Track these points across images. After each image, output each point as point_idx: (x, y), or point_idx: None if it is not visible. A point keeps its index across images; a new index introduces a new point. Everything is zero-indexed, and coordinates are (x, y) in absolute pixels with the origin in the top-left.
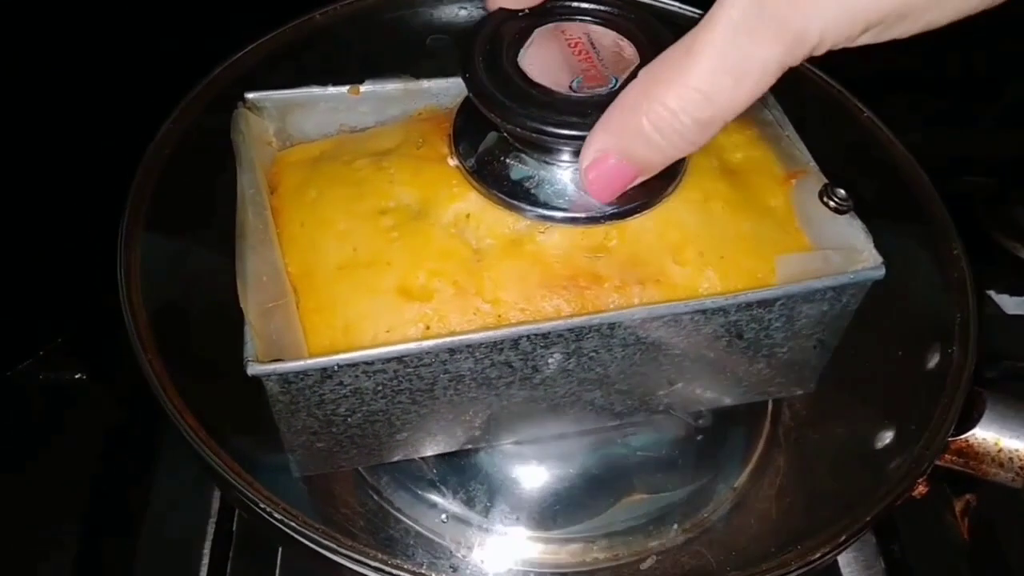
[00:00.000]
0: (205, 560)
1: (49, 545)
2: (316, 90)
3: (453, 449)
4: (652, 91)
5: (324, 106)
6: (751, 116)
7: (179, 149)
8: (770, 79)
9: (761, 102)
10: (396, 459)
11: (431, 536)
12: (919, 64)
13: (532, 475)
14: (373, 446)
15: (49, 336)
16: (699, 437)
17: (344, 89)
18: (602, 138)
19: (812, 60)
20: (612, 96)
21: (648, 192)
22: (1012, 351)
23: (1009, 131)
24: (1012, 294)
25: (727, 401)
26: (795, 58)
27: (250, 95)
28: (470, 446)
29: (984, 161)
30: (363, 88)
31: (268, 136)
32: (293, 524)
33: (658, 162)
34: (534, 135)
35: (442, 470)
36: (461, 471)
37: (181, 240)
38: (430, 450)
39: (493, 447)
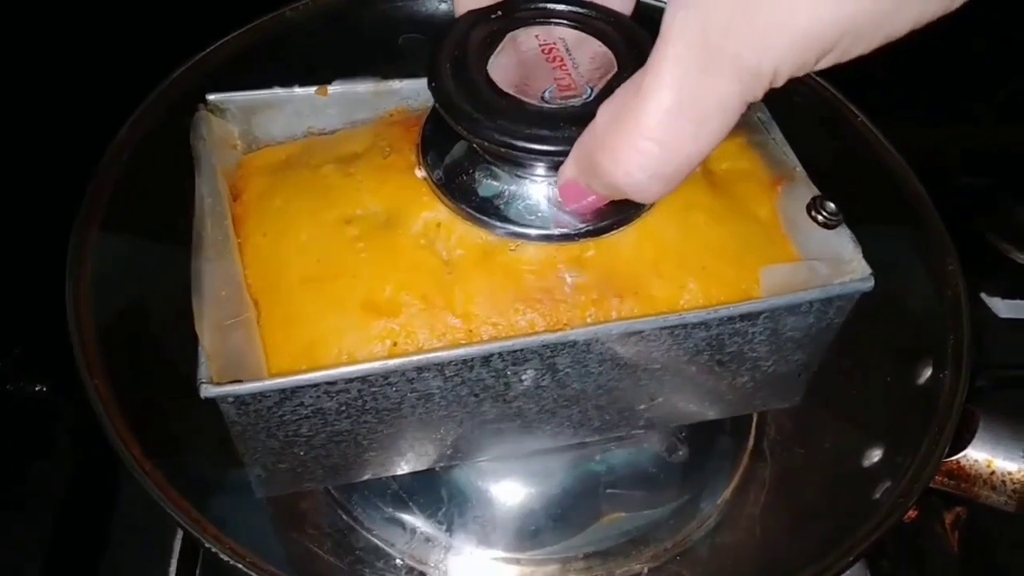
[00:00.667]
0: None
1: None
2: (282, 91)
3: (424, 467)
4: (608, 140)
5: (290, 108)
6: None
7: (138, 154)
8: (732, 119)
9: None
10: (364, 478)
11: (401, 558)
12: (911, 61)
13: (507, 494)
14: (339, 466)
15: (6, 347)
16: (681, 452)
17: (311, 90)
18: (571, 169)
19: None
20: (586, 108)
21: (624, 208)
22: (1003, 357)
23: (1004, 129)
24: (1004, 297)
25: (711, 415)
26: (754, 94)
27: (212, 97)
28: (442, 464)
29: (978, 161)
30: (331, 89)
31: (233, 139)
32: (248, 571)
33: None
34: (503, 149)
35: (413, 488)
36: (433, 489)
37: (138, 251)
38: (399, 469)
39: (466, 465)
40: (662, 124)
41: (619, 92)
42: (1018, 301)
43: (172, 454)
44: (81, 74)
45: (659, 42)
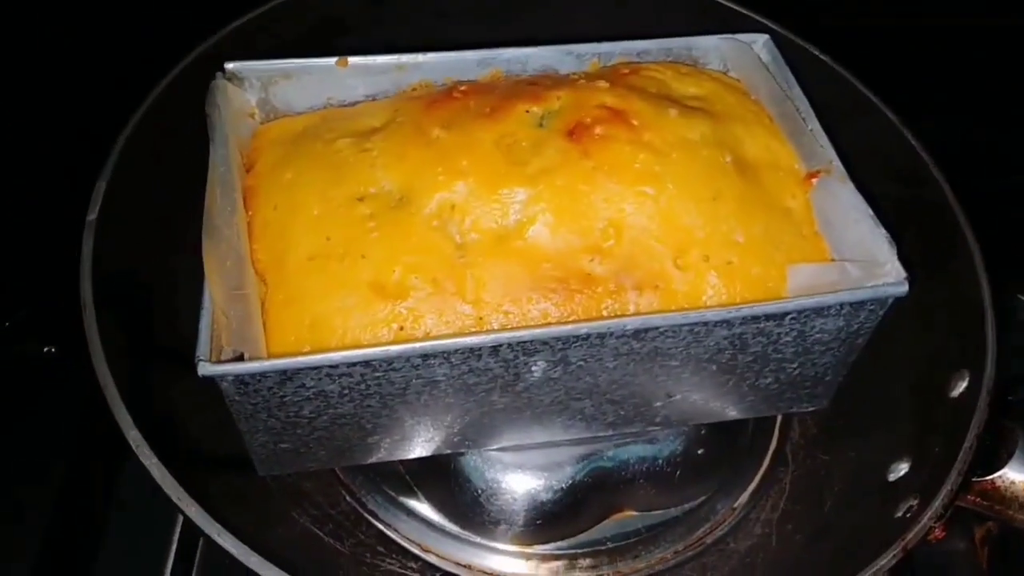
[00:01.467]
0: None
1: (11, 530)
2: (301, 61)
3: (431, 454)
4: None
5: (310, 78)
6: (771, 107)
7: (156, 123)
8: None
9: (784, 93)
10: (369, 462)
11: (404, 544)
12: (960, 59)
13: (516, 484)
14: (343, 448)
15: (13, 307)
16: (699, 451)
17: (332, 60)
18: None
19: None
20: None
21: None
22: None
23: None
24: None
25: (732, 415)
26: None
27: (230, 65)
28: (450, 451)
29: None
30: (352, 60)
31: (250, 107)
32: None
33: None
34: None
35: (420, 475)
36: (440, 477)
37: (151, 222)
38: (406, 454)
39: (475, 453)
40: None
41: None
42: None
43: (174, 429)
44: (96, 46)
45: None
